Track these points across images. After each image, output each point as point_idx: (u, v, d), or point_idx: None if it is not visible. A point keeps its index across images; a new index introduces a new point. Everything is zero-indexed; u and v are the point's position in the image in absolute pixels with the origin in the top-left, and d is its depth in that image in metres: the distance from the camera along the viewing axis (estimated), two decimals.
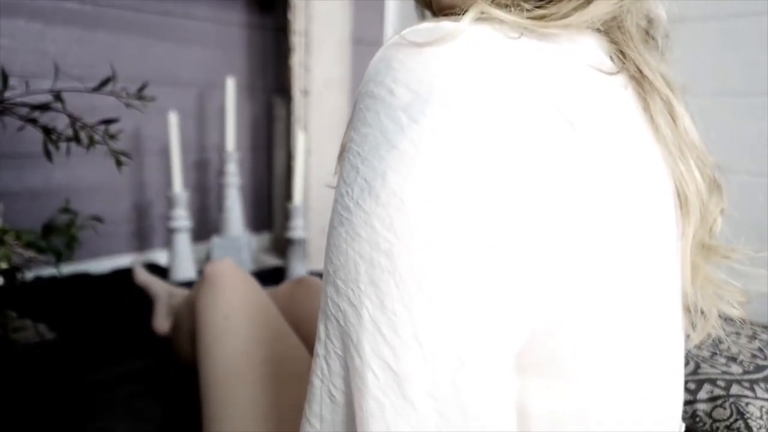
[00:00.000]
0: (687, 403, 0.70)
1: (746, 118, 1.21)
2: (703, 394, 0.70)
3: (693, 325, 0.42)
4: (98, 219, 1.22)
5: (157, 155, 1.55)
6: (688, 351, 0.76)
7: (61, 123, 0.83)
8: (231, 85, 1.50)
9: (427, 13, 0.43)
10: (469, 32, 0.29)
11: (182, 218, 1.44)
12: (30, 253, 0.74)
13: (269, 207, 1.86)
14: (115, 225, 1.49)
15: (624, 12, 0.36)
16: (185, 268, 1.45)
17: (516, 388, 0.31)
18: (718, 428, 0.67)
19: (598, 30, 0.35)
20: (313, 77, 1.61)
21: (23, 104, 0.79)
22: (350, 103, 1.69)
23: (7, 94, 0.79)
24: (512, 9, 0.31)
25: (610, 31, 0.36)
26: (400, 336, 0.28)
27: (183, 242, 1.45)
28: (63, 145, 0.82)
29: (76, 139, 0.81)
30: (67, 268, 1.31)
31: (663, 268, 0.35)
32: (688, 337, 0.43)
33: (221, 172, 1.58)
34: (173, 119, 1.38)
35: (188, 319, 0.78)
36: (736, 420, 0.66)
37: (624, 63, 0.35)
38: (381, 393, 0.28)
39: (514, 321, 0.29)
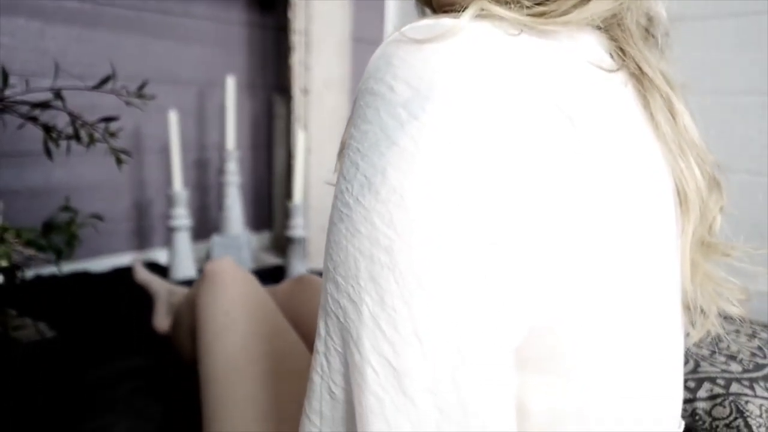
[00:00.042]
0: (687, 401, 0.70)
1: (746, 117, 1.21)
2: (702, 393, 0.70)
3: (692, 323, 0.42)
4: (98, 217, 1.22)
5: (157, 154, 1.55)
6: (688, 349, 0.76)
7: (61, 121, 0.83)
8: (231, 84, 1.50)
9: (427, 10, 0.43)
10: (469, 29, 0.29)
11: (182, 217, 1.44)
12: (30, 251, 0.74)
13: (269, 206, 1.86)
14: (115, 223, 1.49)
15: (624, 9, 0.36)
16: (185, 267, 1.45)
17: (516, 384, 0.31)
18: (717, 426, 0.67)
19: (598, 27, 0.35)
20: (314, 76, 1.61)
21: (23, 102, 0.79)
22: (350, 102, 1.69)
23: (8, 92, 0.79)
24: (512, 6, 0.31)
25: (610, 28, 0.36)
26: (399, 332, 0.28)
27: (183, 241, 1.45)
28: (63, 143, 0.82)
29: (77, 137, 0.81)
30: (67, 267, 1.31)
31: (663, 265, 0.35)
32: (687, 335, 0.43)
33: (221, 171, 1.58)
34: (173, 118, 1.38)
35: (188, 316, 0.78)
36: (735, 418, 0.66)
37: (624, 60, 0.35)
38: (381, 389, 0.28)
39: (514, 317, 0.29)
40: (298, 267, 1.49)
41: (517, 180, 0.28)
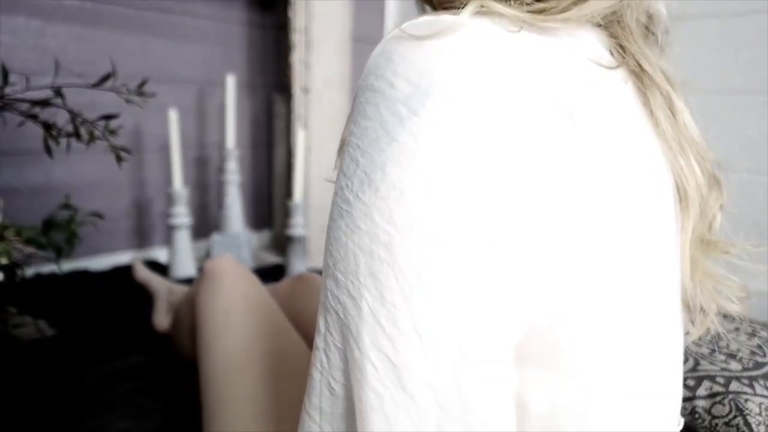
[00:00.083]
0: (686, 399, 0.70)
1: (746, 116, 1.21)
2: (702, 391, 0.70)
3: (692, 321, 0.42)
4: (98, 215, 1.21)
5: (157, 152, 1.55)
6: (688, 348, 0.76)
7: (61, 119, 0.83)
8: (231, 83, 1.50)
9: (427, 7, 0.43)
10: (469, 25, 0.29)
11: (182, 215, 1.44)
12: (30, 249, 0.74)
13: (269, 204, 1.86)
14: (115, 222, 1.49)
15: (624, 7, 0.36)
16: (185, 266, 1.45)
17: (516, 381, 0.31)
18: (717, 425, 0.67)
19: (598, 24, 0.35)
20: (314, 75, 1.61)
21: (23, 100, 0.79)
22: (350, 101, 1.69)
23: (8, 90, 0.79)
24: (512, 2, 0.31)
25: (610, 25, 0.36)
26: (399, 328, 0.28)
27: (183, 239, 1.45)
28: (63, 141, 0.81)
29: (77, 134, 0.81)
30: (67, 265, 1.31)
31: (662, 262, 0.35)
32: (687, 333, 0.43)
33: (221, 170, 1.58)
34: (173, 116, 1.38)
35: (188, 315, 0.78)
36: (735, 417, 0.66)
37: (624, 57, 0.35)
38: (380, 385, 0.28)
39: (514, 313, 0.29)
40: (298, 266, 1.49)
41: (516, 176, 0.28)
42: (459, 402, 0.28)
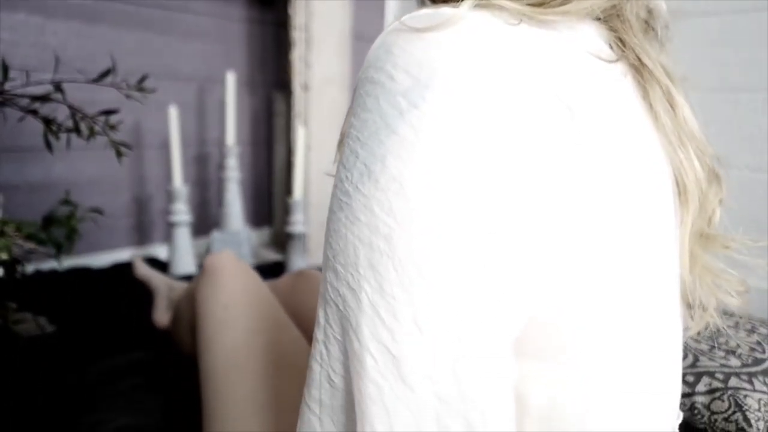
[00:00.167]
0: (685, 395, 0.70)
1: (746, 113, 1.21)
2: (701, 387, 0.70)
3: (691, 316, 0.42)
4: (98, 211, 1.22)
5: (157, 149, 1.55)
6: (687, 344, 0.76)
7: (61, 115, 0.83)
8: (231, 80, 1.50)
9: (427, 1, 0.43)
10: (468, 18, 0.29)
11: (182, 212, 1.44)
12: (30, 245, 0.74)
13: (269, 202, 1.86)
14: (115, 219, 1.49)
15: (623, 1, 0.36)
16: (185, 263, 1.45)
17: (515, 375, 0.31)
18: (716, 420, 0.67)
19: (598, 18, 0.35)
20: (314, 72, 1.61)
21: (23, 95, 0.79)
22: (350, 99, 1.69)
23: (7, 86, 0.79)
24: None
25: (610, 19, 0.36)
26: (398, 320, 0.28)
27: (183, 236, 1.45)
28: (63, 137, 0.81)
29: (77, 129, 0.81)
30: (67, 262, 1.31)
31: (662, 256, 0.35)
32: (686, 328, 0.43)
33: (221, 167, 1.58)
34: (173, 113, 1.38)
35: (188, 311, 0.78)
36: (734, 412, 0.66)
37: (623, 51, 0.35)
38: (380, 376, 0.28)
39: (513, 306, 0.29)
40: (298, 263, 1.49)
41: (516, 169, 0.28)
42: (458, 394, 0.28)
